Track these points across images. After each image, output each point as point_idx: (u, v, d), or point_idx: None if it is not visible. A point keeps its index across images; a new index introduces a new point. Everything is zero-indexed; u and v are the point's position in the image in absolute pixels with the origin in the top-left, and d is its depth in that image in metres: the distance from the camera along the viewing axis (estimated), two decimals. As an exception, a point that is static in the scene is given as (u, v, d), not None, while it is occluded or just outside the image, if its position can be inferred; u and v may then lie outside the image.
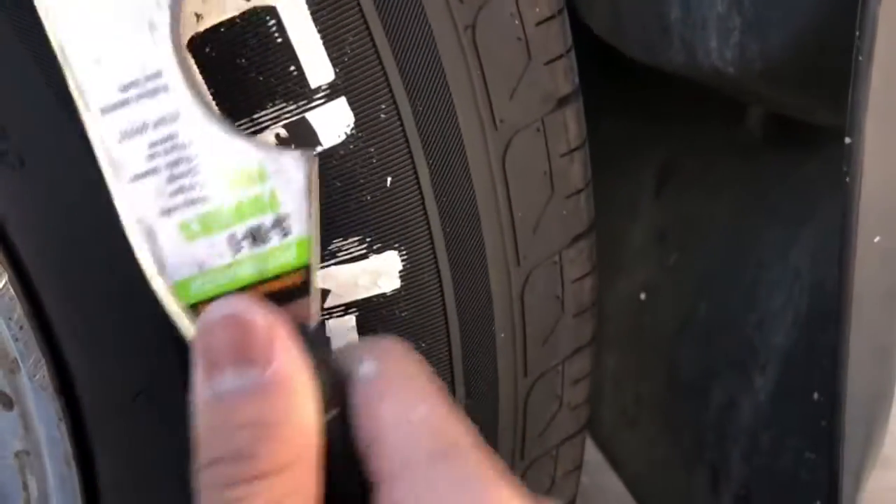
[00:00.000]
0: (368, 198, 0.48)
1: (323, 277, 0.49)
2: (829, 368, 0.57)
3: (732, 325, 0.78)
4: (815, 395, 0.66)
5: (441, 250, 0.50)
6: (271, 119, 0.46)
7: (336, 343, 0.50)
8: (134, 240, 0.43)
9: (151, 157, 0.43)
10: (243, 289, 0.43)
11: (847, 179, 0.50)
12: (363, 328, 0.50)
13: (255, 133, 0.46)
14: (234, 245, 0.43)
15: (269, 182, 0.43)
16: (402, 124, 0.47)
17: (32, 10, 0.43)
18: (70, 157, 0.48)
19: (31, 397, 0.52)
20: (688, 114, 0.86)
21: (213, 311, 0.42)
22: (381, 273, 0.49)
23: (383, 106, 0.47)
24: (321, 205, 0.46)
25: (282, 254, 0.43)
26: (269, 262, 0.43)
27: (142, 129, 0.43)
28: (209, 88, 0.45)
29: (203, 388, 0.41)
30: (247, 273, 0.43)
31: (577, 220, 0.55)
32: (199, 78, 0.45)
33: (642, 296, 0.87)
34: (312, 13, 0.45)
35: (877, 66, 0.48)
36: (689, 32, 0.62)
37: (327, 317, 0.49)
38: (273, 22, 0.44)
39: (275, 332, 0.41)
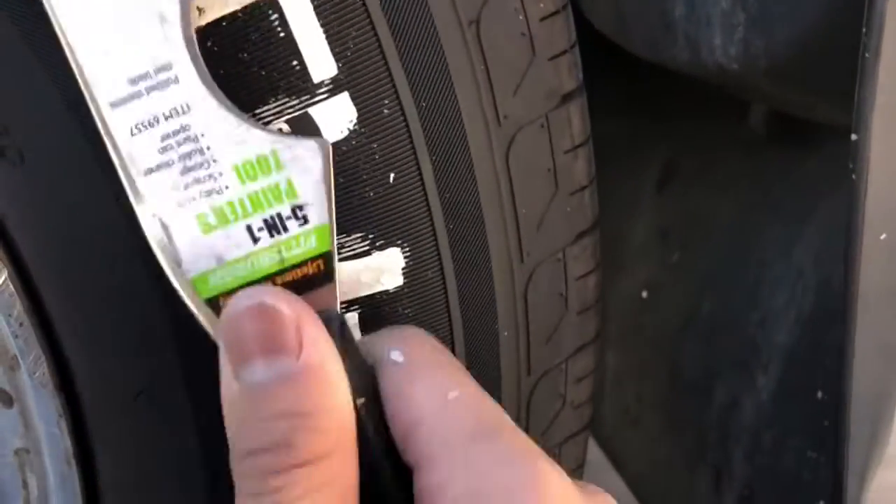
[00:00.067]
0: (371, 194, 0.48)
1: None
2: (833, 367, 0.57)
3: (735, 323, 0.77)
4: (819, 394, 0.66)
5: (444, 247, 0.50)
6: (274, 114, 0.46)
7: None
8: (150, 234, 0.43)
9: (164, 150, 0.43)
10: (263, 279, 0.43)
11: (853, 176, 0.50)
12: (366, 325, 0.50)
13: (258, 128, 0.46)
14: (252, 235, 0.43)
15: (284, 171, 0.43)
16: (405, 120, 0.47)
17: (34, 3, 0.42)
18: (71, 152, 0.48)
19: (30, 395, 0.52)
20: (690, 111, 0.86)
21: (238, 303, 0.41)
22: (384, 270, 0.49)
23: (386, 101, 0.47)
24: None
25: (301, 242, 0.43)
26: (288, 251, 0.43)
27: (153, 122, 0.42)
28: (211, 83, 0.44)
29: (232, 381, 0.41)
30: (266, 263, 0.43)
31: (581, 216, 0.55)
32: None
33: (644, 294, 0.87)
34: (315, 7, 0.44)
35: (884, 62, 0.48)
36: (693, 29, 0.62)
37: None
38: (275, 16, 0.44)
39: (303, 321, 0.41)
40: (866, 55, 0.48)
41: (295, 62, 0.45)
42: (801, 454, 0.68)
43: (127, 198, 0.43)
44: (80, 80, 0.42)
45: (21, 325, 0.51)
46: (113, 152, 0.43)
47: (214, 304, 0.44)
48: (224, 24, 0.44)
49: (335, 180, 0.47)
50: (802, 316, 0.71)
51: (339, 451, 0.40)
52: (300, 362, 0.40)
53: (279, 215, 0.43)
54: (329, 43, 0.45)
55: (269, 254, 0.43)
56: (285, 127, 0.46)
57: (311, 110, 0.46)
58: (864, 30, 0.48)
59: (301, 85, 0.45)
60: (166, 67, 0.42)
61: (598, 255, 0.57)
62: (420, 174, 0.48)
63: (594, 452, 0.86)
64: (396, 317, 0.50)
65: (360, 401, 0.42)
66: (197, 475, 0.53)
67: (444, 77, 0.48)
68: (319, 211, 0.43)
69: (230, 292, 0.43)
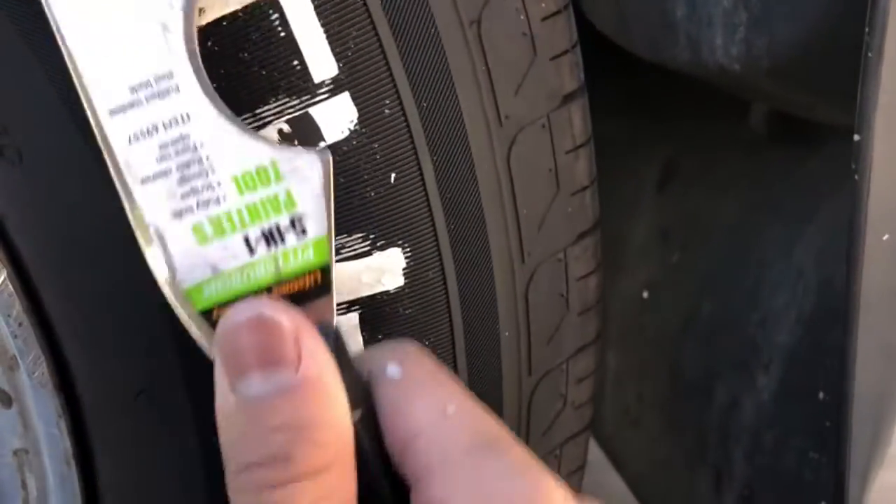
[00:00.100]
0: (372, 194, 0.48)
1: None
2: (834, 367, 0.57)
3: (735, 323, 0.77)
4: (821, 395, 0.66)
5: (445, 247, 0.50)
6: (274, 114, 0.45)
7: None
8: (143, 244, 0.43)
9: (162, 158, 0.42)
10: (259, 291, 0.43)
11: (856, 177, 0.50)
12: (367, 325, 0.50)
13: (258, 128, 0.46)
14: (249, 246, 0.43)
15: (284, 182, 0.42)
16: (406, 120, 0.47)
17: (32, 4, 0.42)
18: (70, 152, 0.47)
19: (30, 395, 0.52)
20: (691, 111, 0.86)
21: (236, 314, 0.41)
22: (384, 270, 0.49)
23: (387, 101, 0.47)
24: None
25: (299, 254, 0.43)
26: (285, 263, 0.43)
27: (152, 130, 0.42)
28: (212, 83, 0.44)
29: (229, 394, 0.40)
30: (262, 274, 0.43)
31: (583, 217, 0.55)
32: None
33: (645, 294, 0.87)
34: (316, 7, 0.44)
35: (887, 62, 0.48)
36: (694, 29, 0.62)
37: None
38: (276, 16, 0.44)
39: (302, 333, 0.40)
40: (869, 55, 0.48)
41: (296, 62, 0.45)
42: (803, 454, 0.68)
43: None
44: (78, 87, 0.42)
45: (20, 325, 0.51)
46: (109, 160, 0.42)
47: (208, 315, 0.43)
48: (224, 23, 0.44)
49: (336, 180, 0.47)
50: (803, 316, 0.71)
51: (338, 464, 0.40)
52: (299, 375, 0.40)
53: (277, 226, 0.43)
54: (330, 43, 0.45)
55: (265, 265, 0.43)
56: (286, 127, 0.46)
57: (311, 110, 0.46)
58: (866, 30, 0.48)
59: (302, 85, 0.45)
60: (167, 76, 0.42)
61: (599, 255, 0.57)
62: (421, 174, 0.48)
63: (595, 452, 0.86)
64: (397, 317, 0.50)
65: (357, 415, 0.41)
66: (197, 475, 0.53)
67: (446, 77, 0.47)
68: (318, 223, 0.43)
69: (225, 304, 0.43)
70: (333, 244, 0.43)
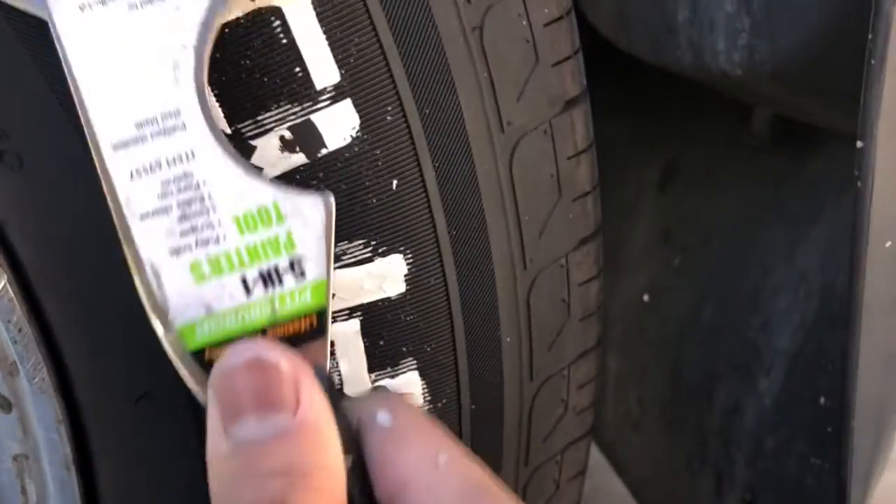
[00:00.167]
0: (374, 201, 0.47)
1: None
2: (836, 373, 0.56)
3: (737, 327, 0.77)
4: (822, 400, 0.66)
5: (447, 254, 0.50)
6: (276, 121, 0.45)
7: (342, 351, 0.50)
8: (138, 280, 0.43)
9: (164, 195, 0.42)
10: (253, 332, 0.43)
11: (858, 184, 0.49)
12: (368, 332, 0.50)
13: (260, 135, 0.45)
14: (246, 287, 0.42)
15: (285, 223, 0.42)
16: (408, 127, 0.47)
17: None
18: (70, 158, 0.47)
19: (29, 400, 0.52)
20: (693, 113, 0.85)
21: (234, 356, 0.40)
22: (386, 277, 0.49)
23: (389, 108, 0.46)
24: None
25: (296, 297, 0.43)
26: (282, 305, 0.42)
27: (155, 167, 0.42)
28: (213, 90, 0.44)
29: (221, 438, 0.40)
30: (257, 316, 0.42)
31: (584, 223, 0.55)
32: (219, 116, 0.44)
33: (646, 297, 0.87)
34: (318, 14, 0.44)
35: (890, 69, 0.48)
36: (697, 34, 0.62)
37: (332, 321, 0.49)
38: (278, 23, 0.44)
39: (301, 377, 0.40)
40: (872, 63, 0.47)
41: (297, 69, 0.45)
42: (804, 460, 0.68)
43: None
44: (82, 118, 0.42)
45: (20, 330, 0.51)
46: (109, 194, 0.42)
47: (199, 355, 0.43)
48: (227, 30, 0.43)
49: (338, 187, 0.47)
50: (805, 321, 0.71)
51: None
52: (297, 419, 0.39)
53: (276, 268, 0.42)
54: (332, 50, 0.45)
55: (261, 306, 0.42)
56: (288, 134, 0.46)
57: (313, 117, 0.45)
58: (869, 37, 0.47)
59: (304, 92, 0.45)
60: (174, 114, 0.42)
61: (600, 261, 0.57)
62: (423, 181, 0.48)
63: (596, 456, 0.86)
64: (398, 323, 0.50)
65: (348, 461, 0.41)
66: (197, 481, 0.53)
67: (448, 83, 0.47)
68: (318, 266, 0.42)
69: (217, 345, 0.42)
70: (331, 288, 0.43)
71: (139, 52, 0.41)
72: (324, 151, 0.46)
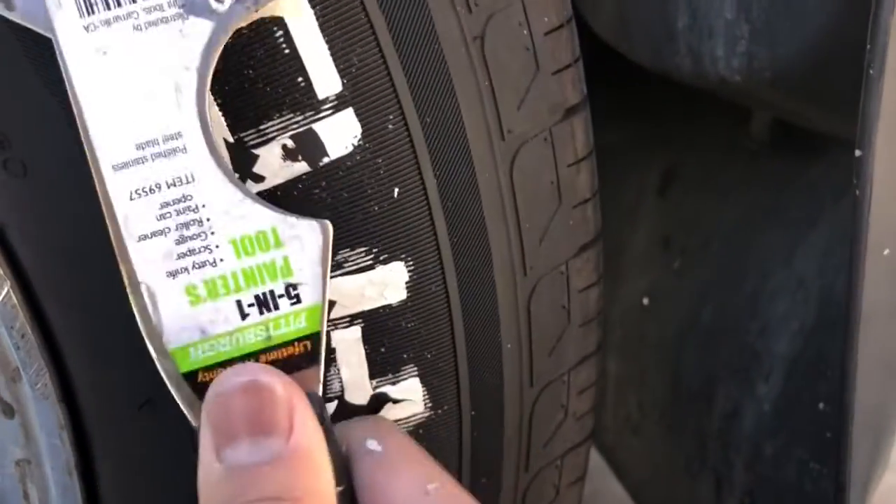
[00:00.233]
0: (376, 208, 0.48)
1: (329, 288, 0.49)
2: (835, 378, 0.57)
3: (736, 331, 0.78)
4: (821, 405, 0.66)
5: (448, 261, 0.50)
6: (278, 130, 0.45)
7: (343, 358, 0.50)
8: (134, 301, 0.43)
9: (162, 217, 0.42)
10: (247, 356, 0.43)
11: (857, 192, 0.50)
12: (369, 339, 0.50)
13: (263, 144, 0.46)
14: (241, 311, 0.43)
15: (283, 248, 0.43)
16: (409, 135, 0.47)
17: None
18: (73, 165, 0.47)
19: (32, 406, 0.52)
20: (692, 118, 0.86)
21: (229, 380, 0.40)
22: (387, 284, 0.49)
23: (391, 117, 0.47)
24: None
25: (290, 322, 0.43)
26: (276, 330, 0.43)
27: (154, 188, 0.42)
28: (216, 99, 0.44)
29: (214, 462, 0.39)
30: (252, 340, 0.43)
31: (584, 229, 0.55)
32: (220, 141, 0.45)
33: (645, 301, 0.87)
34: (320, 24, 0.44)
35: (888, 77, 0.48)
36: (696, 40, 0.62)
37: (332, 328, 0.49)
38: (281, 33, 0.44)
39: (295, 402, 0.40)
40: (870, 72, 0.48)
41: (300, 78, 0.45)
42: (804, 465, 0.68)
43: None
44: (83, 138, 0.42)
45: (23, 336, 0.51)
46: (108, 214, 0.42)
47: (192, 379, 0.43)
48: (230, 40, 0.44)
49: (340, 195, 0.47)
50: (804, 325, 0.71)
51: None
52: (290, 445, 0.39)
53: (272, 292, 0.43)
54: (334, 59, 0.45)
55: (256, 331, 0.43)
56: (290, 142, 0.46)
57: (315, 126, 0.46)
58: (868, 46, 0.48)
59: (306, 101, 0.45)
60: (175, 136, 0.42)
61: (600, 267, 0.57)
62: (424, 189, 0.48)
63: (595, 459, 0.86)
64: (399, 330, 0.50)
65: (339, 489, 0.41)
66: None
67: (449, 92, 0.48)
68: (314, 291, 0.43)
69: (210, 368, 0.43)
70: (326, 314, 0.43)
71: (142, 73, 0.42)
72: (326, 160, 0.46)
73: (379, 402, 0.51)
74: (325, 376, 0.49)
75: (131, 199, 0.42)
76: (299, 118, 0.45)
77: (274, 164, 0.46)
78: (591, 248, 0.56)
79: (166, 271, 0.43)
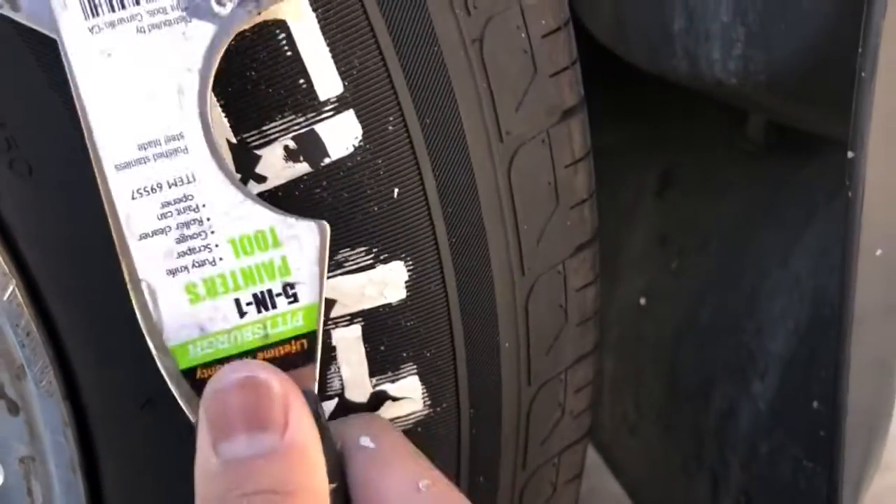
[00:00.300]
0: (376, 209, 0.48)
1: (329, 287, 0.49)
2: (828, 378, 0.57)
3: (732, 331, 0.78)
4: (815, 404, 0.66)
5: (447, 260, 0.51)
6: (280, 131, 0.46)
7: (343, 356, 0.50)
8: (135, 298, 0.43)
9: (163, 216, 0.43)
10: (245, 354, 0.43)
11: (849, 193, 0.50)
12: (369, 338, 0.50)
13: (264, 145, 0.46)
14: (240, 309, 0.43)
15: (281, 248, 0.43)
16: (409, 136, 0.48)
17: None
18: (78, 165, 0.48)
19: (37, 403, 0.52)
20: (689, 119, 0.86)
21: (227, 375, 0.41)
22: (387, 283, 0.50)
23: (391, 118, 0.47)
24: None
25: (288, 320, 0.43)
26: (273, 328, 0.43)
27: (156, 188, 0.43)
28: (219, 100, 0.45)
29: (211, 455, 0.40)
30: (249, 338, 0.43)
31: (581, 229, 0.55)
32: (222, 142, 0.45)
33: (642, 301, 0.88)
34: (322, 27, 0.45)
35: (880, 80, 0.48)
36: (692, 43, 0.63)
37: (333, 326, 0.50)
38: (283, 35, 0.45)
39: (290, 398, 0.40)
40: (862, 75, 0.48)
41: (301, 80, 0.45)
42: (798, 463, 0.68)
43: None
44: (86, 137, 0.43)
45: (28, 334, 0.51)
46: (110, 213, 0.43)
47: (191, 375, 0.44)
48: (233, 43, 0.44)
49: (340, 196, 0.47)
50: (799, 325, 0.72)
51: None
52: (285, 440, 0.40)
53: (269, 291, 0.43)
54: (335, 62, 0.45)
55: (253, 329, 0.43)
56: (291, 143, 0.46)
57: (317, 127, 0.46)
58: (860, 50, 0.48)
59: (307, 103, 0.46)
60: (177, 137, 0.42)
61: (597, 267, 0.58)
62: (423, 189, 0.49)
63: (592, 457, 0.86)
64: (398, 329, 0.51)
65: (333, 486, 0.42)
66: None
67: (448, 94, 0.48)
68: (310, 291, 0.43)
69: (209, 365, 0.43)
70: (322, 313, 0.44)
71: (145, 75, 0.42)
72: (327, 161, 0.47)
73: (378, 399, 0.51)
74: (325, 374, 0.50)
75: (133, 198, 0.43)
76: (301, 119, 0.46)
77: (276, 165, 0.46)
78: (587, 248, 0.56)
79: (166, 269, 0.43)
